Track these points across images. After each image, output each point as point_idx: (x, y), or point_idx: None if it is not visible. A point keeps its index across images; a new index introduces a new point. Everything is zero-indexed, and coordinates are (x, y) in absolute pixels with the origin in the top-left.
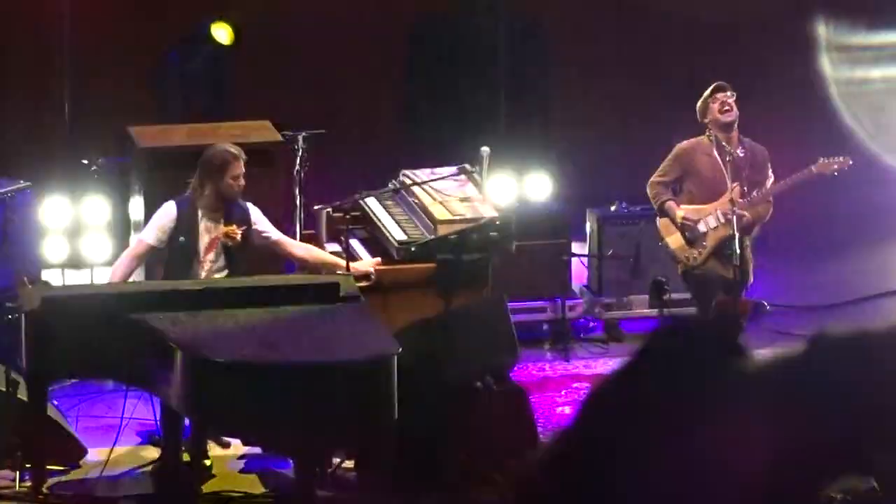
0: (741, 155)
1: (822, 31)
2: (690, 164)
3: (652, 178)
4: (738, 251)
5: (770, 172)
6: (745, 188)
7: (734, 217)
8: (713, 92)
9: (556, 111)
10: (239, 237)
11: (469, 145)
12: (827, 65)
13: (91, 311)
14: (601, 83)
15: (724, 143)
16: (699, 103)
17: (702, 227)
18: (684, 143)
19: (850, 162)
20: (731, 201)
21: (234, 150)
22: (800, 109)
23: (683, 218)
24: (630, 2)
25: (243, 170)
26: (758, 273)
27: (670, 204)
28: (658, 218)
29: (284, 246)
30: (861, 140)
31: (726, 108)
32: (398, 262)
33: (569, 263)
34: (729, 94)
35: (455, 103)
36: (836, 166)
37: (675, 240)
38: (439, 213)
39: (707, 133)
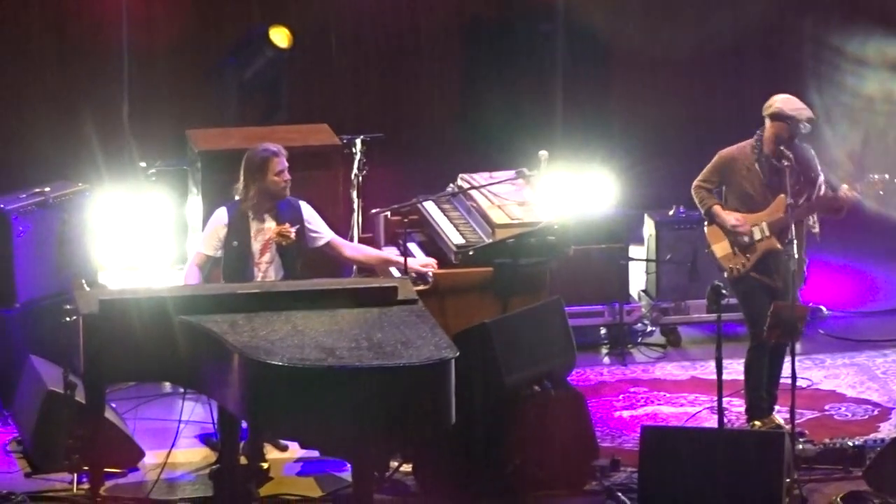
0: (786, 165)
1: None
2: (730, 175)
3: (695, 182)
4: (795, 256)
5: (819, 171)
6: (791, 200)
7: (780, 230)
8: (791, 131)
9: (614, 114)
10: (293, 235)
11: (527, 149)
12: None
13: (148, 314)
14: (660, 85)
15: (774, 153)
16: (778, 105)
17: (756, 235)
18: (725, 152)
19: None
20: (787, 209)
21: (272, 146)
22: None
23: (734, 225)
24: (689, 3)
25: (286, 164)
26: (814, 277)
27: (717, 209)
28: (706, 224)
29: (336, 247)
30: None
31: (795, 139)
32: (456, 265)
33: (626, 268)
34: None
35: (513, 107)
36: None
37: (721, 248)
38: (497, 217)
39: (755, 139)
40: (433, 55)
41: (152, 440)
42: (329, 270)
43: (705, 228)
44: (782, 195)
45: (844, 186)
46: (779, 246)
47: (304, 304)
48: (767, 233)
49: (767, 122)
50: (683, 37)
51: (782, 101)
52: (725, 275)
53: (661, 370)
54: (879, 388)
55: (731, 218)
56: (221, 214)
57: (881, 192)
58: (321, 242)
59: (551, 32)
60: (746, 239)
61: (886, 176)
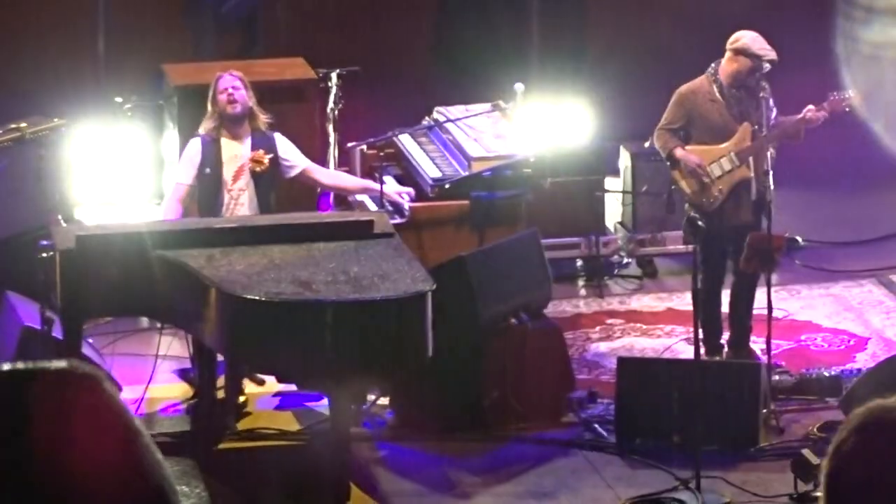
0: (762, 96)
1: None
2: (693, 109)
3: (658, 127)
4: (771, 186)
5: (771, 99)
6: (756, 127)
7: (748, 158)
8: (753, 69)
9: (590, 46)
10: (266, 161)
11: (503, 82)
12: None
13: (125, 249)
14: (636, 17)
15: (733, 86)
16: (745, 42)
17: (716, 171)
18: (684, 88)
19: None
20: (754, 135)
21: (226, 72)
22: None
23: (697, 164)
24: None
25: (233, 83)
26: (785, 208)
27: (678, 151)
28: (670, 168)
29: (312, 174)
30: None
31: (754, 76)
32: (432, 199)
33: (602, 200)
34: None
35: (489, 39)
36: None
37: (689, 184)
38: (473, 149)
39: (709, 73)
40: None
41: (129, 375)
42: (305, 204)
43: (671, 172)
44: (746, 124)
45: (810, 107)
46: (751, 174)
47: (281, 239)
48: (737, 162)
49: (729, 55)
50: None
51: (750, 39)
52: (705, 203)
53: (638, 302)
54: (855, 318)
55: (693, 158)
56: (195, 143)
57: (847, 109)
58: (296, 172)
59: None
60: (706, 180)
61: (850, 93)
